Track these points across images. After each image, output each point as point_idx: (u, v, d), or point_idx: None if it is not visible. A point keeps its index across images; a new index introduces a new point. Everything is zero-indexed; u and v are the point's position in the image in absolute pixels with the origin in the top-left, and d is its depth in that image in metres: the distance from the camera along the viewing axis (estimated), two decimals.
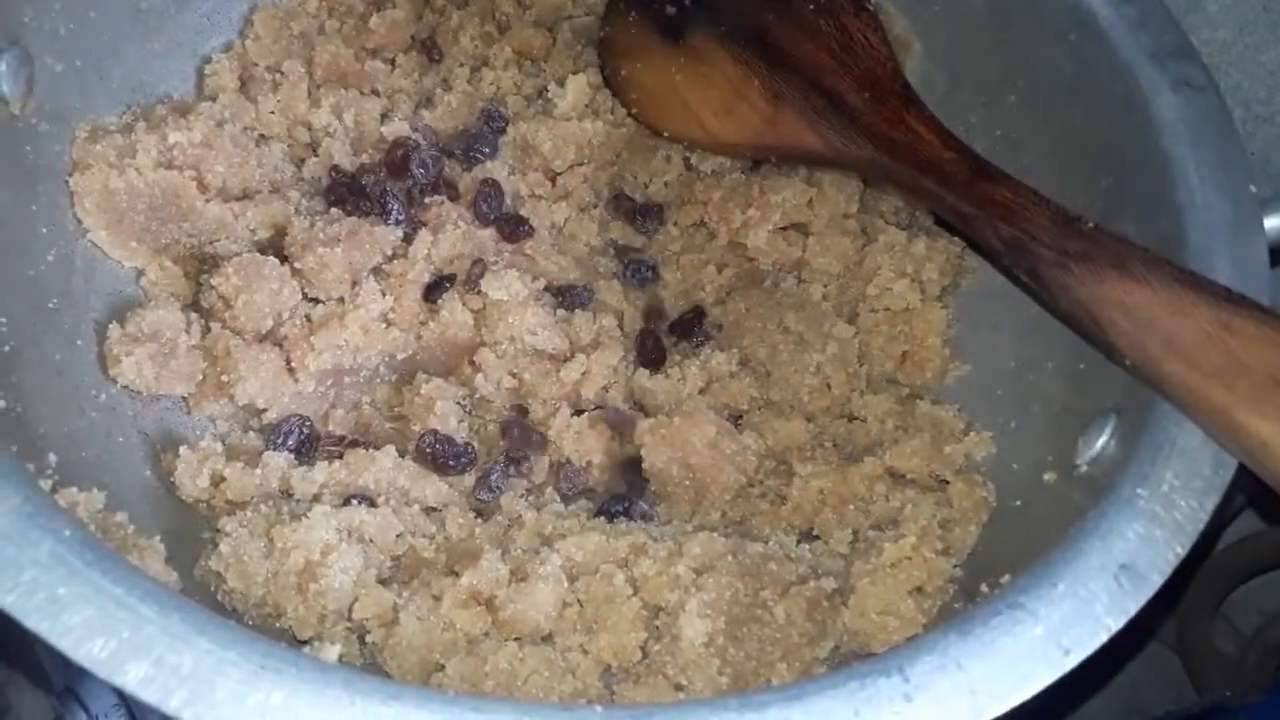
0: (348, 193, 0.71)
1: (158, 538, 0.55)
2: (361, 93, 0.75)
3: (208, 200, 0.68)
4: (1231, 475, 0.50)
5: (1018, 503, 0.62)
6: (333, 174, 0.72)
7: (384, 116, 0.75)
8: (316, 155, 0.74)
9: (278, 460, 0.62)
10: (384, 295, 0.67)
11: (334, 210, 0.70)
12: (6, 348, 0.57)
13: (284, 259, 0.68)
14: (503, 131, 0.75)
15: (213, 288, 0.66)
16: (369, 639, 0.56)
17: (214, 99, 0.73)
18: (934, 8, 0.76)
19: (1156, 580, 0.46)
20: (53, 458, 0.55)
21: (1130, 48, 0.64)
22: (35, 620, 0.40)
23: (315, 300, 0.68)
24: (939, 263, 0.72)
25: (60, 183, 0.65)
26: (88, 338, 0.64)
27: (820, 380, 0.70)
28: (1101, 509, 0.49)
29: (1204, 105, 0.61)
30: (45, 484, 0.51)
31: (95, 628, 0.40)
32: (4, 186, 0.61)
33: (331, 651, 0.48)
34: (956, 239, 0.73)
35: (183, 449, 0.62)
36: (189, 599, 0.42)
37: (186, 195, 0.67)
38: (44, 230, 0.63)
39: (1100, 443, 0.57)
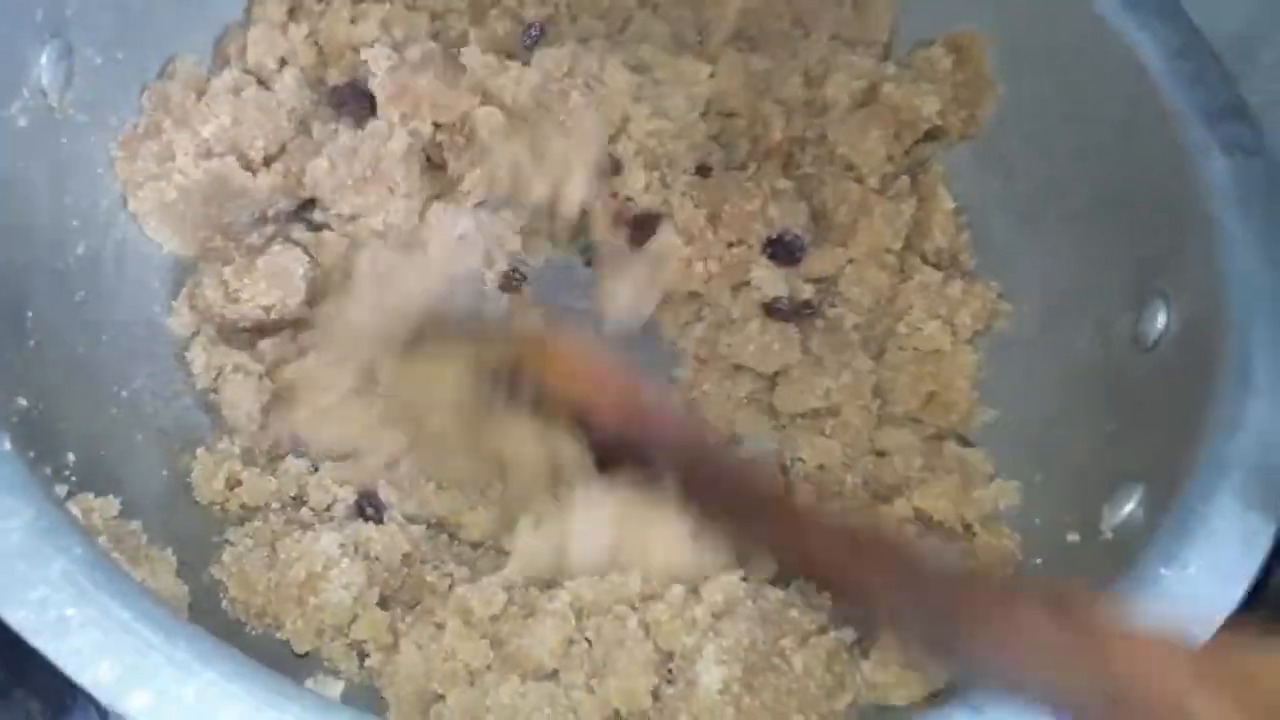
0: (349, 97, 0.70)
1: (170, 550, 0.54)
2: (409, 8, 0.73)
3: (255, 174, 0.68)
4: (1261, 562, 0.49)
5: (1039, 561, 0.61)
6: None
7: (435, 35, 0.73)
8: (339, 69, 0.71)
9: (298, 466, 0.62)
10: None
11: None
12: (32, 342, 0.57)
13: None
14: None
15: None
16: (368, 663, 0.56)
17: (227, 64, 0.71)
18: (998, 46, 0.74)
19: None
20: (71, 457, 0.55)
21: (1182, 105, 0.62)
22: (43, 640, 0.40)
23: None
24: (974, 307, 0.70)
25: (94, 174, 0.65)
26: (113, 331, 0.64)
27: (827, 405, 0.69)
28: (1122, 585, 0.48)
29: (1255, 172, 0.60)
30: (62, 489, 0.52)
31: (101, 652, 0.40)
32: (37, 178, 0.61)
33: (335, 688, 0.47)
34: (994, 283, 0.72)
35: (200, 451, 0.62)
36: (197, 626, 0.42)
37: (235, 178, 0.67)
38: (75, 223, 0.63)
39: (1127, 510, 0.56)
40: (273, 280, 0.66)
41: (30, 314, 0.58)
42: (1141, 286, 0.63)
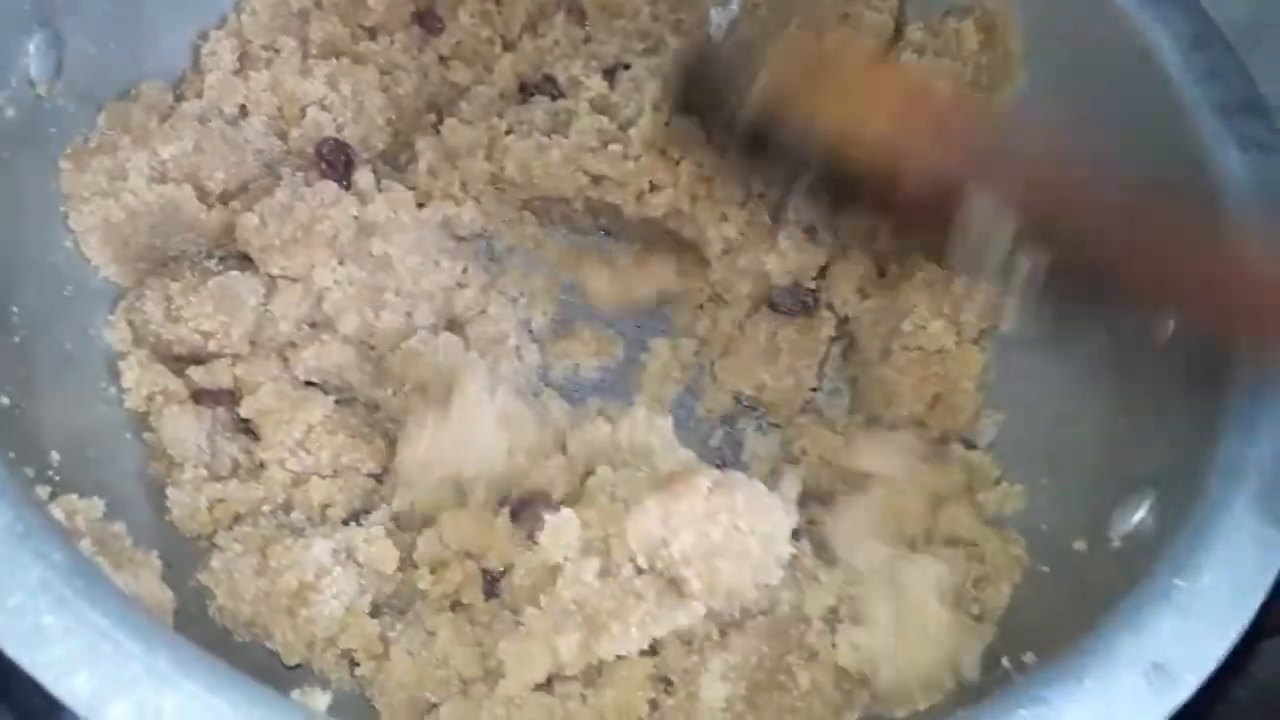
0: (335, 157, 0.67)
1: (155, 553, 0.53)
2: (356, 62, 0.71)
3: (210, 208, 0.65)
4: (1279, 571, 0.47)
5: (1045, 568, 0.59)
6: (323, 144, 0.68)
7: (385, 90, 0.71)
8: (300, 127, 0.69)
9: (282, 475, 0.60)
10: None
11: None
12: (17, 338, 0.56)
13: None
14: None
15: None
16: (358, 672, 0.54)
17: (198, 95, 0.68)
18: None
19: (1191, 683, 0.44)
20: (55, 456, 0.54)
21: (1197, 99, 0.61)
22: (17, 649, 0.39)
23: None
24: (979, 303, 0.69)
25: None
26: (99, 327, 0.63)
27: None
28: (1135, 598, 0.47)
29: (1272, 167, 0.58)
30: (44, 490, 0.51)
31: (78, 662, 0.39)
32: (26, 169, 0.60)
33: (322, 700, 0.46)
34: None
35: (170, 490, 0.59)
36: (179, 635, 0.41)
37: (188, 208, 0.64)
38: (64, 213, 0.62)
39: (1136, 518, 0.54)
40: (220, 304, 0.61)
41: (15, 309, 0.57)
42: None
